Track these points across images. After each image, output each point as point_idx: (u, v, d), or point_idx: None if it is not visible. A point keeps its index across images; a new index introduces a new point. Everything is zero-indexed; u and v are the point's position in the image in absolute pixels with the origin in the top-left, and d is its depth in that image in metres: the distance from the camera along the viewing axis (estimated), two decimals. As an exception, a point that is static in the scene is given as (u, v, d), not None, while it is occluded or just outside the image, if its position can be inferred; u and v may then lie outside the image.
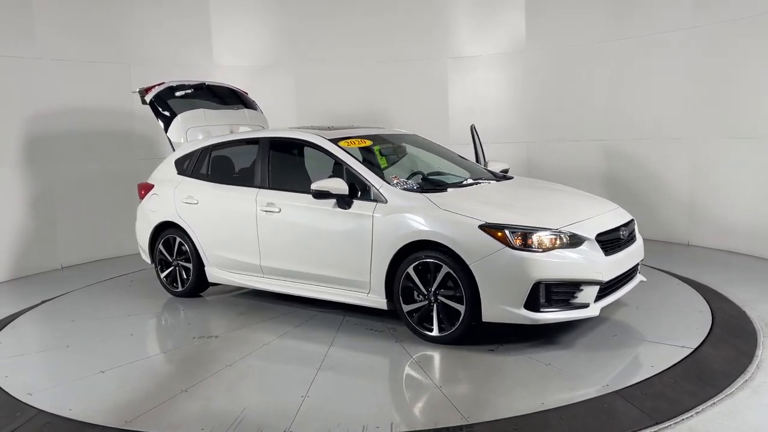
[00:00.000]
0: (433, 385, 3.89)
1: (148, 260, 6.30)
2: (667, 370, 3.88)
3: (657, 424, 3.29)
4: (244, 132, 6.36)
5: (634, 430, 3.24)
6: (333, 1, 9.40)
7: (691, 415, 3.37)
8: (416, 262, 4.49)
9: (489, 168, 5.92)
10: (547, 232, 4.23)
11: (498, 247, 4.17)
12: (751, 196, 6.95)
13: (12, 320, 5.66)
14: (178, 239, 5.96)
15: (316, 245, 5.04)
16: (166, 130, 6.39)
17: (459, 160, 5.94)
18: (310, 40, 9.42)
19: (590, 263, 4.25)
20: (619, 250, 4.56)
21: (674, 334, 4.48)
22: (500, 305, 4.19)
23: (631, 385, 3.69)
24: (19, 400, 3.89)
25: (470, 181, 5.26)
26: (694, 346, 4.23)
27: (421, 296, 4.53)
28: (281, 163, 5.61)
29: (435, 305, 4.45)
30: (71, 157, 7.80)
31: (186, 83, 6.63)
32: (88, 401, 3.86)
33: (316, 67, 9.46)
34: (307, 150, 5.55)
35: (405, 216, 4.55)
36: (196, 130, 6.43)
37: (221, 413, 3.60)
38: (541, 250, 4.16)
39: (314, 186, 4.81)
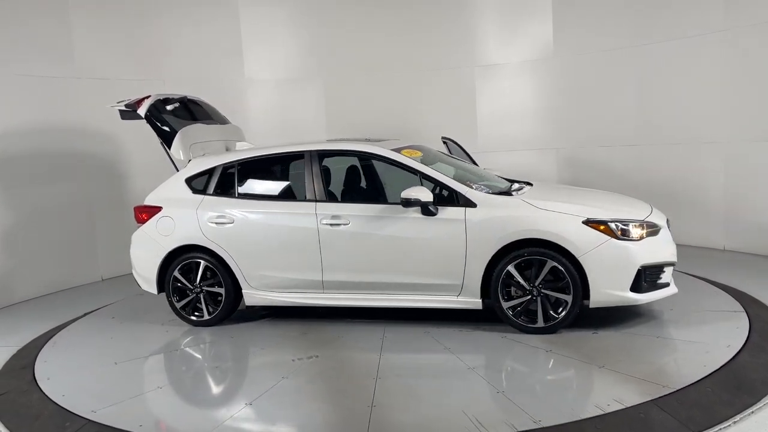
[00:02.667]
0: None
1: (153, 290, 5.73)
2: (704, 378, 3.87)
3: (694, 433, 3.28)
4: (277, 146, 5.93)
5: (671, 440, 3.25)
6: (361, 13, 9.51)
7: (729, 425, 3.36)
8: (518, 260, 4.79)
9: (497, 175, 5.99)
10: (638, 223, 4.81)
11: (604, 239, 4.68)
12: (788, 199, 6.84)
13: (58, 331, 5.87)
14: (204, 263, 5.52)
15: (398, 254, 5.07)
16: (168, 146, 5.86)
17: (476, 169, 6.04)
18: (339, 51, 9.54)
19: (668, 247, 4.93)
20: None
21: (711, 341, 4.45)
22: (608, 291, 4.70)
23: (667, 394, 3.68)
24: (69, 411, 4.02)
25: (516, 186, 5.48)
26: (731, 354, 4.20)
27: (519, 292, 4.86)
28: (339, 176, 5.66)
29: (538, 298, 4.80)
30: (110, 174, 8.04)
31: (171, 96, 6.16)
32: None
33: (345, 78, 9.57)
34: (355, 161, 5.68)
35: (505, 217, 4.85)
36: (197, 146, 5.97)
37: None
38: (637, 238, 4.73)
39: (404, 195, 4.90)
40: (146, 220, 5.74)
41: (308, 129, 9.34)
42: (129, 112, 5.90)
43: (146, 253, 5.72)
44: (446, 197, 5.05)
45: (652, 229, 4.88)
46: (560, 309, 4.81)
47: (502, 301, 4.91)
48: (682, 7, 7.72)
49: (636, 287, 4.72)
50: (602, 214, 4.83)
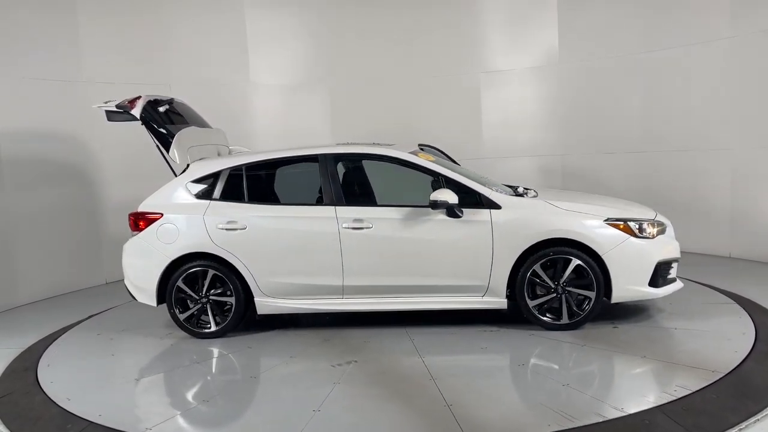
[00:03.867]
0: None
1: (152, 302, 5.42)
2: (709, 385, 3.84)
3: (699, 440, 3.28)
4: (288, 149, 5.79)
5: (676, 447, 3.24)
6: (367, 19, 9.54)
7: (734, 432, 3.34)
8: (543, 259, 4.95)
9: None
10: (651, 222, 5.10)
11: (624, 237, 4.95)
12: (794, 207, 6.82)
13: (61, 334, 5.87)
14: (212, 271, 5.29)
15: (424, 256, 5.10)
16: (167, 149, 5.56)
17: (480, 175, 6.01)
18: (345, 57, 9.57)
19: (674, 244, 5.21)
20: None
21: (716, 348, 4.43)
22: (629, 286, 4.97)
23: (672, 401, 3.65)
24: (70, 413, 4.01)
25: (521, 190, 5.50)
26: (737, 362, 4.17)
27: (544, 290, 5.01)
28: (358, 179, 5.67)
29: (563, 296, 4.97)
30: (115, 177, 8.06)
31: (160, 98, 5.81)
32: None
33: (350, 83, 9.59)
34: (368, 164, 5.69)
35: (531, 218, 5.01)
36: (194, 149, 5.68)
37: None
38: (651, 236, 5.02)
39: (432, 197, 4.96)
40: (144, 228, 5.42)
41: (312, 134, 9.35)
42: (119, 113, 5.56)
43: (145, 262, 5.41)
44: (468, 200, 5.09)
45: (661, 228, 5.16)
46: (583, 306, 5.02)
47: (528, 300, 5.02)
48: (689, 15, 7.73)
49: (653, 282, 5.00)
50: (620, 214, 5.11)
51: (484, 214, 5.05)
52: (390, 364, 4.59)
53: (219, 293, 5.34)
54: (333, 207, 5.21)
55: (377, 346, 4.97)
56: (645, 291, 5.02)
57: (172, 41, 8.62)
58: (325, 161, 5.38)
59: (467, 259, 5.06)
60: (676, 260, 5.19)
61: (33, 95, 7.31)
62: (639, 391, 3.93)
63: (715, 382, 3.87)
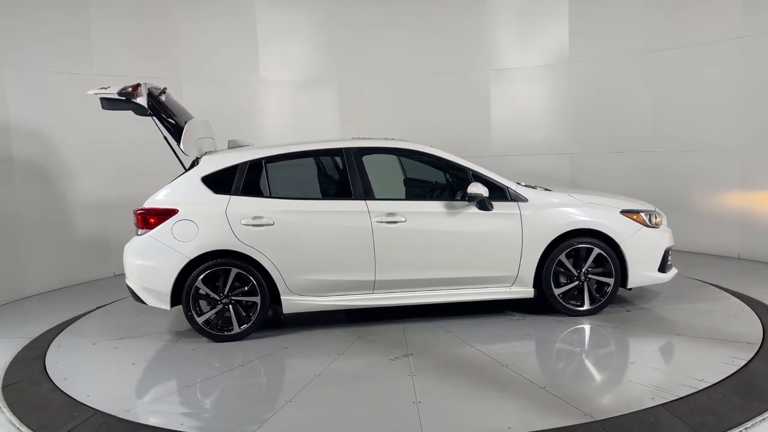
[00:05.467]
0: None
1: (165, 305, 5.07)
2: (716, 384, 3.83)
3: (705, 438, 3.29)
4: (307, 143, 5.64)
5: (681, 444, 3.25)
6: (377, 16, 9.55)
7: (740, 431, 3.33)
8: (568, 249, 5.21)
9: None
10: (655, 212, 5.49)
11: (638, 227, 5.33)
12: (805, 208, 6.77)
13: (69, 324, 5.90)
14: (236, 270, 5.03)
15: (456, 249, 5.18)
16: (177, 141, 5.25)
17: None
18: (354, 54, 9.58)
19: (671, 232, 5.58)
20: None
21: (699, 365, 4.29)
22: (642, 272, 5.34)
23: (677, 399, 3.65)
24: (78, 401, 4.05)
25: (524, 183, 5.60)
26: (744, 361, 4.15)
27: (566, 278, 5.29)
28: (387, 173, 5.66)
29: (585, 283, 5.27)
30: (123, 171, 8.10)
31: (154, 87, 5.39)
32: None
33: (360, 80, 9.60)
34: (377, 158, 5.64)
35: (557, 210, 5.26)
36: (200, 141, 5.45)
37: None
38: (657, 226, 5.43)
39: (470, 190, 5.09)
40: (155, 225, 5.06)
41: (321, 130, 9.38)
42: (119, 101, 5.14)
43: (158, 262, 5.03)
44: (495, 194, 5.23)
45: (661, 218, 5.57)
46: (601, 292, 5.32)
47: (554, 288, 5.24)
48: (699, 14, 7.68)
49: (662, 268, 5.41)
50: (633, 205, 5.49)
51: (513, 206, 5.23)
52: (447, 354, 4.61)
53: (244, 293, 5.07)
54: (364, 201, 5.17)
55: (418, 339, 4.95)
56: (656, 276, 5.40)
57: (182, 37, 8.64)
58: (351, 155, 5.30)
59: (498, 250, 5.21)
60: (672, 247, 5.62)
61: (42, 88, 7.36)
62: (700, 364, 4.17)
63: (721, 381, 3.86)
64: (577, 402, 3.67)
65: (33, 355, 5.07)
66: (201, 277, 5.01)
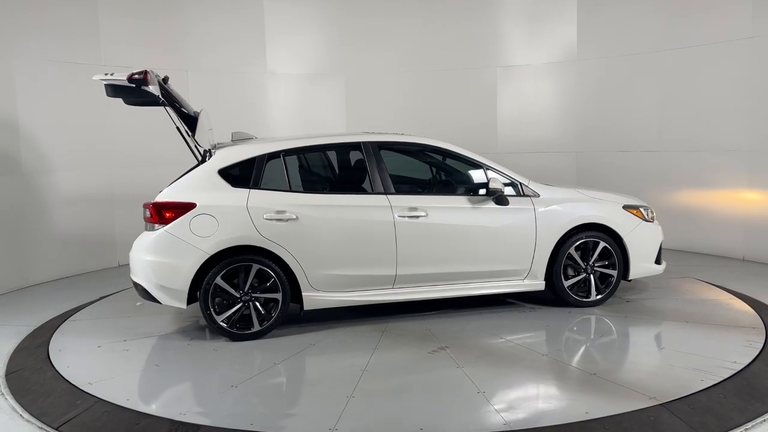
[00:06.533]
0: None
1: (181, 303, 4.87)
2: (717, 385, 3.83)
3: (704, 438, 3.30)
4: (324, 136, 5.56)
5: (681, 444, 3.26)
6: (385, 11, 9.53)
7: (741, 432, 3.34)
8: (577, 243, 5.41)
9: None
10: (649, 208, 5.82)
11: (638, 221, 5.62)
12: (811, 211, 6.74)
13: (73, 313, 5.93)
14: (257, 266, 4.88)
15: (475, 243, 5.27)
16: (192, 132, 5.08)
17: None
18: (362, 48, 9.57)
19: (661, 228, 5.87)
20: None
21: (725, 349, 4.41)
22: (641, 264, 5.62)
23: (678, 399, 3.65)
24: (80, 389, 4.07)
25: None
26: (746, 362, 4.15)
27: (573, 271, 5.50)
28: (406, 168, 5.67)
29: (591, 276, 5.50)
30: (128, 163, 8.12)
31: (157, 74, 5.05)
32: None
33: (367, 75, 9.59)
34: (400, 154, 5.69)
35: (568, 205, 5.46)
36: (210, 132, 5.30)
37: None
38: (652, 220, 5.74)
39: (492, 185, 5.22)
40: (171, 220, 4.83)
41: (327, 123, 9.39)
42: (125, 89, 4.85)
43: (175, 259, 4.80)
44: (514, 188, 5.43)
45: (654, 213, 5.86)
46: (604, 284, 5.57)
47: (563, 281, 5.42)
48: (709, 13, 7.64)
49: (657, 260, 5.73)
50: (632, 201, 5.77)
51: (527, 202, 5.38)
52: (481, 346, 4.68)
53: (265, 289, 4.93)
54: (385, 196, 5.16)
55: (443, 333, 4.98)
56: (653, 267, 5.72)
57: (189, 28, 8.65)
58: (370, 149, 5.28)
59: (514, 244, 5.34)
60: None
61: (51, 79, 7.38)
62: (725, 348, 4.42)
63: (722, 381, 3.87)
64: (636, 387, 3.83)
65: (36, 343, 5.10)
66: (221, 273, 4.83)
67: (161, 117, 5.29)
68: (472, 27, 9.41)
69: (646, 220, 5.67)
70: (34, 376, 4.40)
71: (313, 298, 5.04)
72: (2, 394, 4.14)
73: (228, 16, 8.94)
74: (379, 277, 5.13)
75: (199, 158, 5.30)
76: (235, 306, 4.90)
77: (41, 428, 3.63)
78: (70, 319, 5.76)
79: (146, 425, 3.57)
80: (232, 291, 4.89)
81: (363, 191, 5.25)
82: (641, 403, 3.58)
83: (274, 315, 4.97)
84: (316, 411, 3.70)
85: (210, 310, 4.84)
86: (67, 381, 4.22)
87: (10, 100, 6.98)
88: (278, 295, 4.94)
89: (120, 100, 5.16)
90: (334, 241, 5.02)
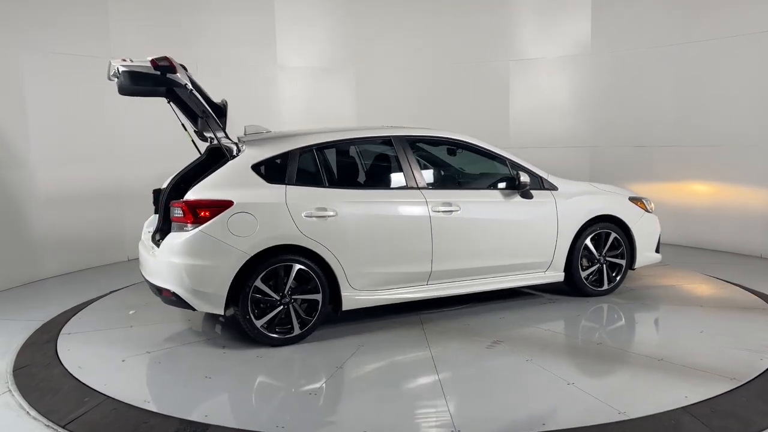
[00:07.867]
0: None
1: (219, 309, 4.51)
2: (739, 387, 3.74)
3: (728, 442, 3.23)
4: (352, 129, 5.44)
5: (704, 448, 3.20)
6: (396, 4, 9.44)
7: (764, 436, 3.26)
8: (592, 234, 5.59)
9: None
10: (648, 200, 6.03)
11: (642, 212, 5.87)
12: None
13: (83, 308, 5.89)
14: (297, 266, 4.61)
15: (504, 237, 5.31)
16: (224, 123, 4.92)
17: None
18: (372, 42, 9.48)
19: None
20: None
21: (747, 351, 4.31)
22: (646, 253, 5.88)
23: (699, 402, 3.56)
24: (88, 386, 4.02)
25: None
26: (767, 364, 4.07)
27: (588, 262, 5.66)
28: (436, 162, 5.67)
29: (603, 265, 5.69)
30: (138, 159, 8.07)
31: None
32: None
33: (378, 68, 9.51)
34: (422, 148, 5.67)
35: (582, 198, 5.62)
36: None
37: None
38: (652, 211, 5.98)
39: (522, 179, 5.28)
40: (207, 219, 4.46)
41: (338, 118, 9.31)
42: (146, 76, 4.47)
43: (213, 261, 4.44)
44: (535, 181, 5.48)
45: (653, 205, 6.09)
46: (614, 273, 5.77)
47: (581, 271, 5.60)
48: (725, 6, 7.50)
49: (657, 249, 5.98)
50: (635, 193, 6.03)
51: (548, 195, 5.49)
52: (532, 338, 4.72)
53: (306, 290, 4.68)
54: (419, 190, 5.07)
55: (483, 327, 5.01)
56: (654, 256, 5.97)
57: (200, 22, 8.58)
58: (401, 143, 5.18)
59: (540, 237, 5.43)
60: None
61: (59, 72, 7.32)
62: (761, 328, 4.75)
63: (744, 384, 3.78)
64: (708, 368, 3.99)
65: (45, 339, 5.06)
66: (261, 275, 4.54)
67: (171, 111, 5.22)
68: (484, 20, 9.29)
69: (648, 211, 5.91)
70: (41, 373, 4.35)
71: (352, 299, 4.83)
72: (9, 390, 4.09)
73: (238, 9, 8.87)
74: (415, 274, 5.03)
75: (201, 152, 5.19)
76: (275, 309, 4.61)
77: (48, 426, 3.58)
78: (79, 313, 5.73)
79: (155, 424, 3.52)
80: (272, 294, 4.60)
81: (396, 186, 5.12)
82: (726, 385, 3.74)
83: (315, 317, 4.72)
84: (419, 411, 3.64)
85: (250, 315, 4.54)
86: (75, 378, 4.18)
87: (18, 93, 6.94)
88: (318, 296, 4.70)
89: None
90: (373, 238, 4.84)
